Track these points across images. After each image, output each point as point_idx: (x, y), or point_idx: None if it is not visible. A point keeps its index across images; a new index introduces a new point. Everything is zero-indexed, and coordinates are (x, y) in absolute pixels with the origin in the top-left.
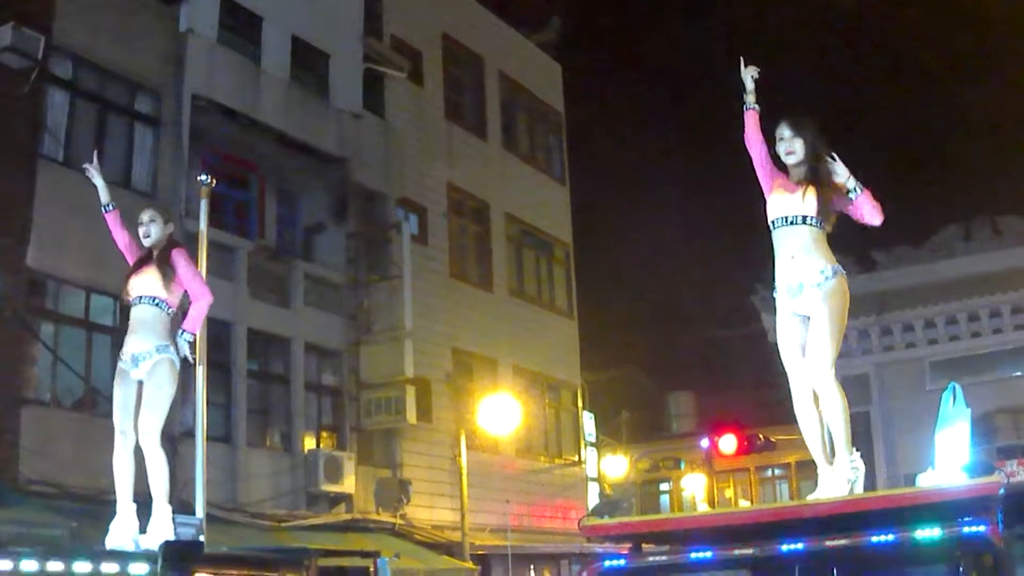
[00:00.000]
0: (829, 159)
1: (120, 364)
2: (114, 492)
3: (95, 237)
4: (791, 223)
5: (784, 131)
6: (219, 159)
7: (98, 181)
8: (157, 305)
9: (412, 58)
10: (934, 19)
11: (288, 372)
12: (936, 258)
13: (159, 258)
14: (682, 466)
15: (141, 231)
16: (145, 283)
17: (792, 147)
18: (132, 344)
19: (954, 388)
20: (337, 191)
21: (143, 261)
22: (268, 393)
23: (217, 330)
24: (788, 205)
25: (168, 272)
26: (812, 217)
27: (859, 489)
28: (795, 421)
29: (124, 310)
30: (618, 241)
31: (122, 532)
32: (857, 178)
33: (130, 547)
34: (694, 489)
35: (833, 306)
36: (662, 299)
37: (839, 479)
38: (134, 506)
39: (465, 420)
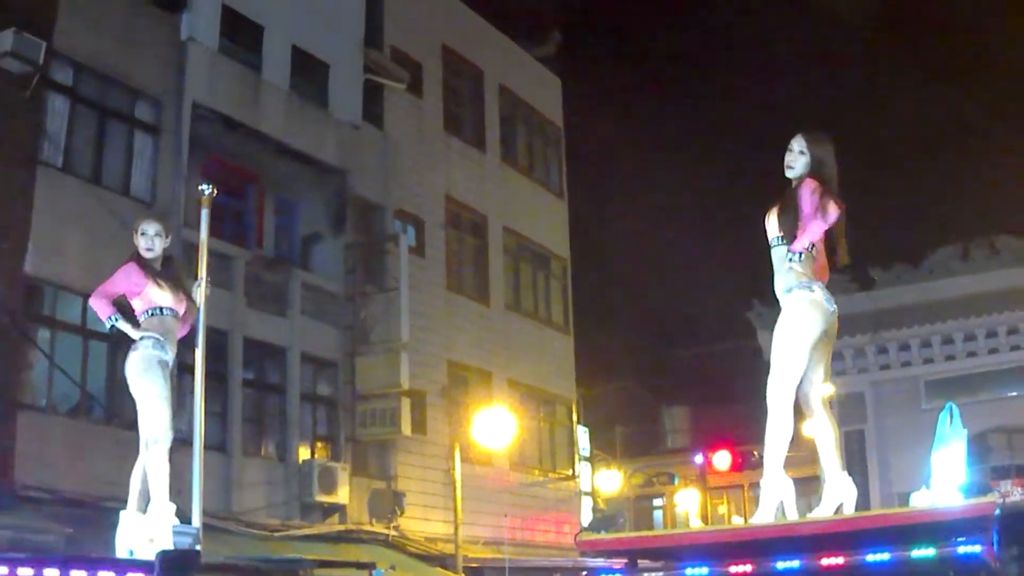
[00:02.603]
0: (812, 184)
1: (166, 368)
2: (112, 498)
3: (93, 244)
4: (772, 244)
5: (794, 144)
6: (218, 168)
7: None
8: (176, 317)
9: (412, 69)
10: (933, 37)
11: (284, 382)
12: (933, 277)
13: (172, 272)
14: (676, 482)
15: (144, 242)
16: (169, 296)
17: (793, 163)
18: (168, 353)
19: (951, 408)
20: (335, 201)
21: (153, 274)
22: (263, 402)
23: (213, 339)
24: (770, 225)
25: (179, 288)
26: (777, 237)
27: (847, 510)
28: (793, 439)
29: (128, 316)
30: (615, 256)
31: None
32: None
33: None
34: (688, 505)
35: (779, 328)
36: (658, 314)
37: (828, 500)
38: None
39: (460, 433)
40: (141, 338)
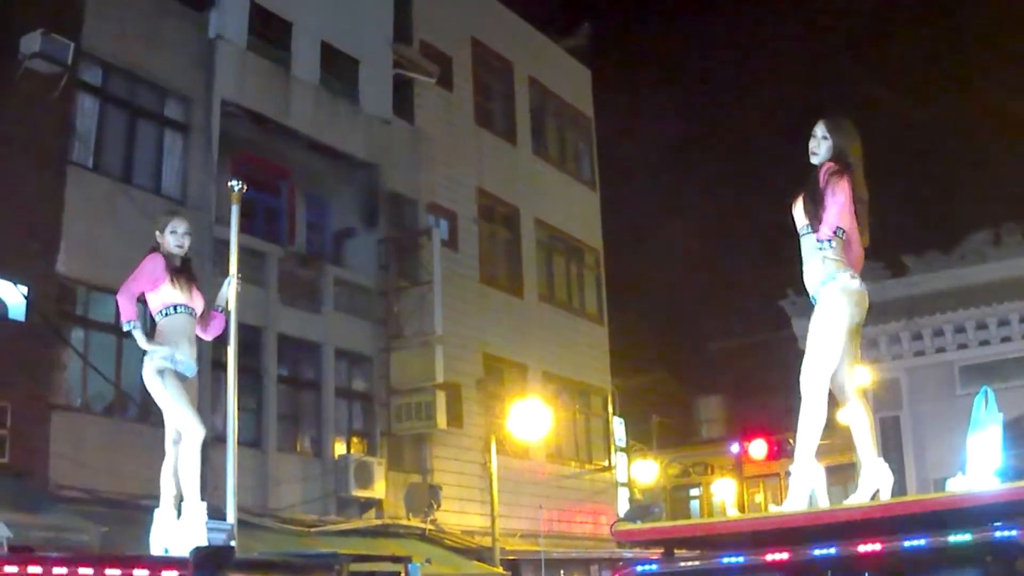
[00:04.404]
0: (829, 167)
1: (175, 368)
2: (147, 496)
3: (125, 243)
4: (800, 233)
5: (817, 129)
6: (249, 165)
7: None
8: (192, 315)
9: (442, 63)
10: (965, 22)
11: (318, 377)
12: (966, 263)
13: (189, 270)
14: (712, 471)
15: (174, 240)
16: (186, 294)
17: (816, 148)
18: (185, 351)
19: (986, 392)
20: (367, 196)
21: (173, 271)
22: (298, 398)
23: (247, 336)
24: (797, 214)
25: (195, 286)
26: (804, 226)
27: (884, 497)
28: (825, 426)
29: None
30: (648, 246)
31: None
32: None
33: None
34: (724, 494)
35: (815, 318)
36: (692, 304)
37: (865, 486)
38: None
39: (495, 425)
40: (150, 350)
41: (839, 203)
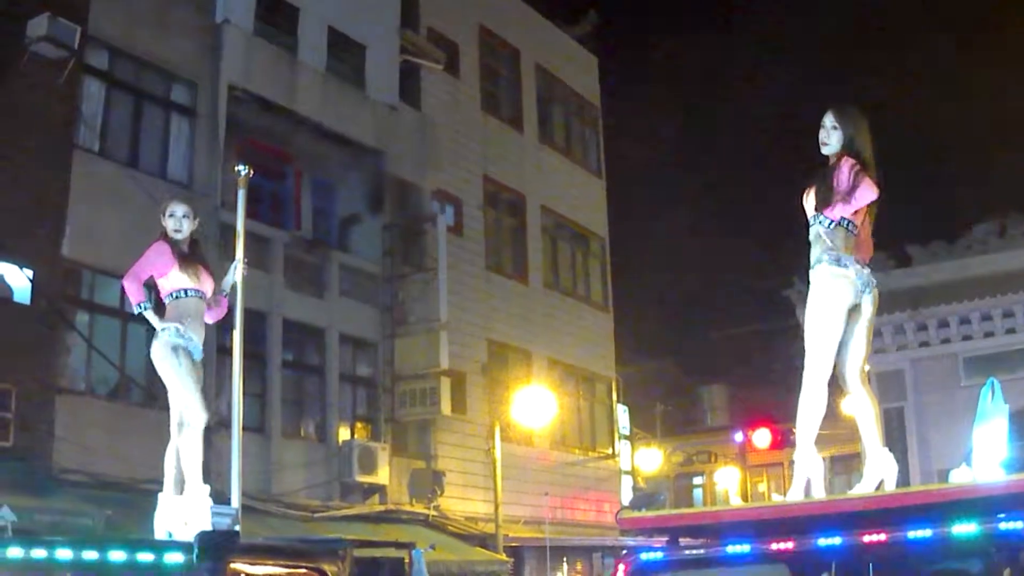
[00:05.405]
0: (851, 163)
1: (187, 346)
2: (151, 480)
3: (131, 227)
4: (811, 224)
5: (826, 119)
6: (255, 150)
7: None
8: (202, 299)
9: (448, 50)
10: (968, 15)
11: (323, 363)
12: (971, 254)
13: (198, 254)
14: (716, 460)
15: (172, 223)
16: (194, 278)
17: (827, 139)
18: (194, 332)
19: (992, 384)
20: (373, 182)
21: (179, 255)
22: (303, 384)
23: (252, 321)
24: (808, 205)
25: (205, 269)
26: (813, 216)
27: (888, 487)
28: (830, 416)
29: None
30: (654, 234)
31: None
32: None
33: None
34: (727, 483)
35: (807, 303)
36: (697, 292)
37: (869, 477)
38: None
39: (499, 412)
40: (163, 328)
41: (859, 200)
